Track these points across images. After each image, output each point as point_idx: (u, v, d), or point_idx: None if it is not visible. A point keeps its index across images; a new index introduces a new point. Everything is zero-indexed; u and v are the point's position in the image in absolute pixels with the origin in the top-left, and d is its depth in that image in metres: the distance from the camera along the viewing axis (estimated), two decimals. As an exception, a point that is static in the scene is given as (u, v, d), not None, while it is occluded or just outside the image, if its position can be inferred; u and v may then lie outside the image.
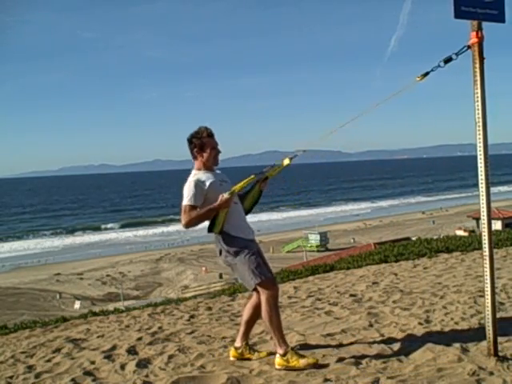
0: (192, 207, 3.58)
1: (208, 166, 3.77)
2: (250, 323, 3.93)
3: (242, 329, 3.95)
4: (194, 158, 3.79)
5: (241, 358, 3.87)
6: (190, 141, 3.76)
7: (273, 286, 3.68)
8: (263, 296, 3.62)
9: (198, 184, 3.63)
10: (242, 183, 3.73)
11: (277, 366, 3.61)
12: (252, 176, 3.79)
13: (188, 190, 3.61)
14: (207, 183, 3.65)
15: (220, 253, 3.74)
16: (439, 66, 3.30)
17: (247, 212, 3.93)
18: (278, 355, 3.63)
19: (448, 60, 3.28)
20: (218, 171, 3.87)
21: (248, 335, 3.98)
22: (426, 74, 3.33)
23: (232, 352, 3.92)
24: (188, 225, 3.60)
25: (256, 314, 3.85)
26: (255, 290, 3.69)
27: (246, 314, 3.91)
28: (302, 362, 3.55)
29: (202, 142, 3.73)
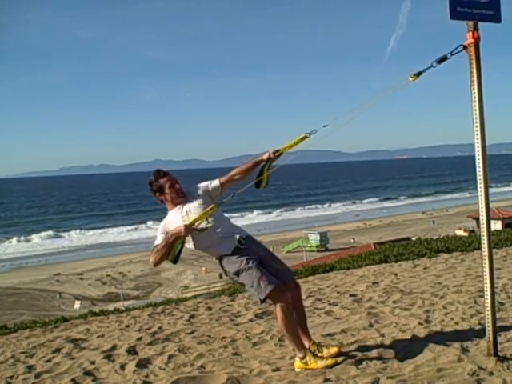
0: (156, 247, 3.65)
1: (175, 203, 3.79)
2: (301, 323, 3.82)
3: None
4: (161, 201, 3.85)
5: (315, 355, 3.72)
6: (150, 190, 3.85)
7: (281, 294, 3.57)
8: (275, 306, 3.58)
9: (164, 227, 3.72)
10: (199, 216, 3.62)
11: (296, 369, 3.63)
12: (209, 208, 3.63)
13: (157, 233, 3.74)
14: (168, 226, 3.70)
15: (226, 274, 3.79)
16: (432, 66, 3.27)
17: (260, 186, 3.80)
18: (297, 358, 3.66)
19: (442, 59, 3.26)
20: (191, 194, 3.80)
21: (309, 335, 3.87)
22: (419, 73, 3.31)
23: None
24: (155, 263, 3.65)
25: (297, 313, 3.78)
26: (264, 301, 3.60)
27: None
28: (320, 363, 3.57)
29: (159, 184, 3.78)
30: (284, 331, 3.62)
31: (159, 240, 3.65)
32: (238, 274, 3.64)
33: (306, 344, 3.77)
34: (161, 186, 3.77)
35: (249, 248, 3.73)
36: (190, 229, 3.59)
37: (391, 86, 3.44)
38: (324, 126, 3.59)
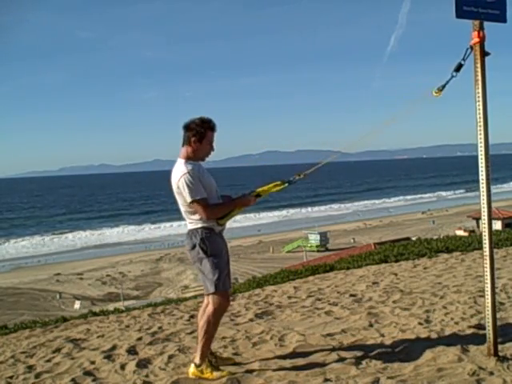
0: (207, 199, 3.50)
1: (198, 158, 3.62)
2: None
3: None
4: (188, 144, 3.58)
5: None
6: (189, 127, 3.57)
7: (226, 300, 3.63)
8: (212, 306, 3.55)
9: (195, 175, 3.49)
10: (267, 188, 3.72)
11: (190, 375, 3.60)
12: (279, 182, 3.73)
13: (190, 183, 3.45)
14: (202, 175, 3.54)
15: (193, 247, 3.58)
16: (453, 76, 3.31)
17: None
18: (192, 365, 3.63)
19: (459, 67, 3.29)
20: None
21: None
22: (443, 87, 3.34)
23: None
24: (213, 217, 3.54)
25: None
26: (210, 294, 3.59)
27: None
28: (216, 374, 3.54)
29: (204, 133, 3.56)
30: (202, 332, 3.57)
31: (200, 188, 3.45)
32: (212, 256, 3.54)
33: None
34: (204, 136, 3.57)
35: (224, 242, 3.75)
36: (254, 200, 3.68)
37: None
38: (304, 176, 3.84)
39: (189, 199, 3.47)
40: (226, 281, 3.59)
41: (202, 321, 3.62)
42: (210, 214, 3.51)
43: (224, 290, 3.57)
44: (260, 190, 3.72)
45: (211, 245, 3.56)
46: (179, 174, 3.49)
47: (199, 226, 3.57)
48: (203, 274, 3.59)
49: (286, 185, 3.77)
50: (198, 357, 3.61)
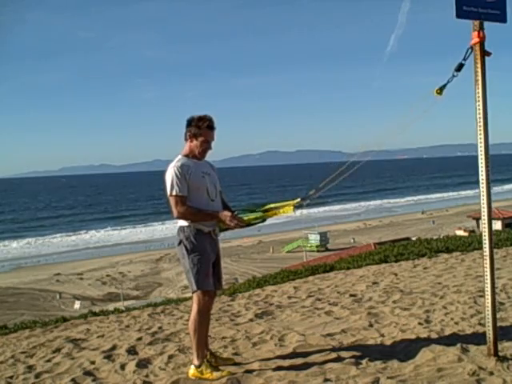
0: (184, 198, 3.53)
1: (194, 155, 3.68)
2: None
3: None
4: (185, 140, 3.72)
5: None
6: (189, 122, 3.67)
7: (209, 299, 3.62)
8: (196, 305, 3.57)
9: (182, 171, 3.54)
10: (257, 216, 3.71)
11: (190, 377, 3.60)
12: (270, 212, 3.71)
13: (174, 178, 3.52)
14: (190, 172, 3.57)
15: (179, 243, 3.63)
16: (454, 75, 3.31)
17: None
18: (192, 366, 3.64)
19: (460, 67, 3.29)
20: (205, 161, 3.77)
21: (208, 344, 3.83)
22: (444, 86, 3.33)
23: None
24: (182, 218, 3.56)
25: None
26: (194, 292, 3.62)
27: None
28: (216, 374, 3.54)
29: (199, 131, 3.63)
30: (192, 332, 3.59)
31: (181, 185, 3.50)
32: (192, 253, 3.55)
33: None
34: (199, 134, 3.64)
35: (216, 243, 3.76)
36: (239, 224, 3.59)
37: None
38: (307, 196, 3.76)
39: (166, 192, 3.58)
40: (205, 280, 3.57)
41: (189, 321, 3.65)
42: (179, 212, 3.53)
43: (204, 288, 3.56)
44: (250, 217, 3.71)
45: (195, 243, 3.58)
46: (168, 167, 3.63)
47: (187, 223, 3.61)
48: (185, 270, 3.63)
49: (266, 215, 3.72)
50: (194, 358, 3.63)
